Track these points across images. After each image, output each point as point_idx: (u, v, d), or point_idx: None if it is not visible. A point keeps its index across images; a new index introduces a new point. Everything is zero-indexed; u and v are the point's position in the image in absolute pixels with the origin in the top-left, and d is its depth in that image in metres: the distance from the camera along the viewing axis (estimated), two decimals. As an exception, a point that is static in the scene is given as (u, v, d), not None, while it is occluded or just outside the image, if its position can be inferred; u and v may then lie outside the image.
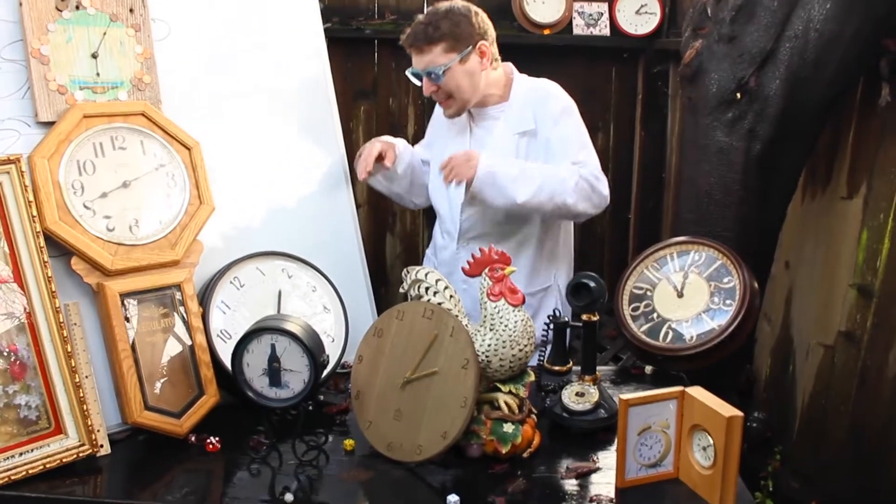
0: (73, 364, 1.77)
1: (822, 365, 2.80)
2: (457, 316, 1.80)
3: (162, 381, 1.90)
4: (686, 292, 2.32)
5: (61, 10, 1.93)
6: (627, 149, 3.95)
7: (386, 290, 3.86)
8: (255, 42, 2.34)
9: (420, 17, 2.45)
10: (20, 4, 1.88)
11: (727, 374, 2.71)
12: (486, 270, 1.79)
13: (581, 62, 3.81)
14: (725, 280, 2.29)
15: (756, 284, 2.30)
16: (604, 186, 2.42)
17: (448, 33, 2.38)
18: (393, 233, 3.89)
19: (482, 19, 2.45)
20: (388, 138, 2.64)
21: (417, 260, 3.91)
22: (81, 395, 1.78)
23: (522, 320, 1.77)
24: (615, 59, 3.85)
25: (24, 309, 1.75)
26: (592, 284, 1.94)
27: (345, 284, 2.27)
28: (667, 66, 3.80)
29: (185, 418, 1.89)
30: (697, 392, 1.71)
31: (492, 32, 2.47)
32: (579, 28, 3.71)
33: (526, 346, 1.77)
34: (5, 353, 1.72)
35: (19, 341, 1.75)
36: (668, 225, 3.92)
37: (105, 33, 1.99)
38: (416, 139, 3.77)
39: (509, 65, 2.59)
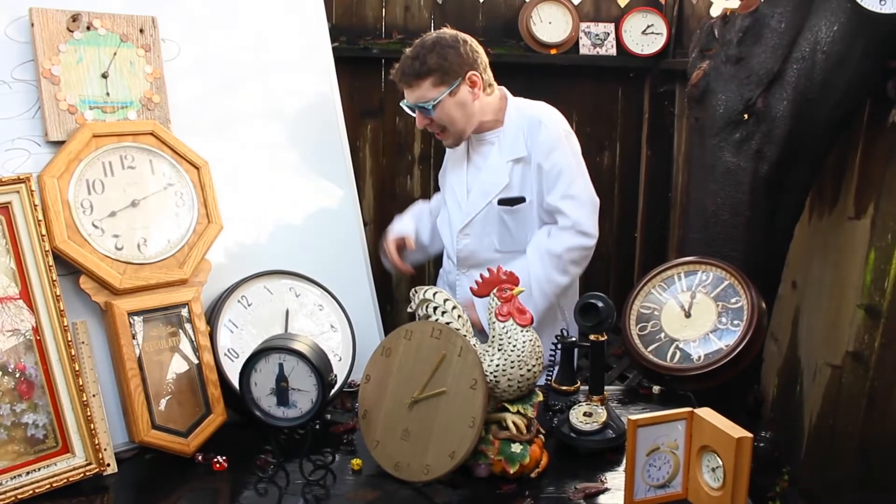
0: (81, 383, 1.77)
1: (829, 385, 2.79)
2: (465, 336, 1.80)
3: (169, 399, 1.90)
4: (694, 312, 2.31)
5: (72, 31, 1.95)
6: (634, 168, 3.95)
7: (392, 308, 3.86)
8: (263, 62, 2.36)
9: (408, 50, 2.44)
10: (31, 25, 1.90)
11: (735, 394, 2.69)
12: (495, 290, 1.79)
13: (587, 82, 3.83)
14: (733, 300, 2.29)
15: (764, 304, 2.30)
16: (588, 235, 2.48)
17: (436, 68, 2.37)
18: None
19: (471, 48, 2.43)
20: (395, 226, 2.73)
21: (423, 279, 3.90)
22: (89, 413, 1.77)
23: (531, 340, 1.76)
24: (621, 78, 3.86)
25: (32, 327, 1.75)
26: (600, 304, 1.93)
27: (352, 303, 2.27)
28: (673, 86, 3.81)
29: (192, 437, 1.89)
30: (706, 413, 1.70)
31: (483, 59, 2.47)
32: (586, 48, 3.72)
33: (534, 366, 1.77)
34: (13, 372, 1.72)
35: (27, 360, 1.75)
36: (674, 244, 3.92)
37: (115, 53, 2.01)
38: (422, 158, 3.82)
39: (503, 88, 2.60)
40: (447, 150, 2.74)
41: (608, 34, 3.74)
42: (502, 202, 2.52)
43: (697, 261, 2.39)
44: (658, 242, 3.97)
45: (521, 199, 2.51)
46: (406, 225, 2.72)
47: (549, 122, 2.47)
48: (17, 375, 1.73)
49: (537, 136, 2.46)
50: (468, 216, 2.58)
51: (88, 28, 1.98)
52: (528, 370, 1.76)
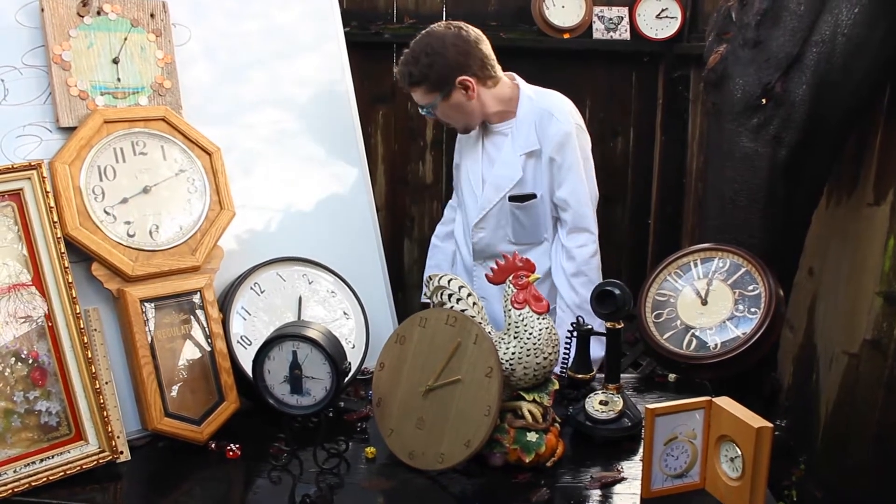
0: (94, 370, 1.77)
1: (846, 373, 2.75)
2: (480, 323, 1.78)
3: (182, 387, 1.89)
4: (710, 300, 2.28)
5: (83, 16, 1.93)
6: (647, 154, 3.91)
7: (403, 294, 3.85)
8: (275, 47, 2.34)
9: (403, 54, 2.45)
10: (41, 10, 1.88)
11: (751, 382, 2.66)
12: (511, 278, 1.77)
13: (601, 66, 3.79)
14: (750, 287, 2.26)
15: (781, 292, 2.27)
16: (591, 232, 2.53)
17: (423, 78, 2.40)
18: (410, 237, 3.87)
19: (460, 50, 2.39)
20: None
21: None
22: (102, 401, 1.77)
23: (547, 328, 1.74)
24: (635, 63, 3.81)
25: (45, 314, 1.74)
26: (617, 292, 1.91)
27: (365, 290, 2.25)
28: (687, 71, 3.77)
29: (205, 425, 1.88)
30: (725, 402, 1.68)
31: (480, 54, 2.42)
32: (599, 32, 3.68)
33: (550, 354, 1.75)
34: (26, 359, 1.72)
35: (40, 347, 1.74)
36: (688, 230, 3.88)
37: (126, 38, 1.99)
38: (434, 143, 3.80)
39: (515, 78, 2.57)
40: (459, 134, 2.73)
41: (622, 18, 3.69)
42: (513, 199, 2.52)
43: (714, 247, 2.36)
44: (671, 228, 3.94)
45: (531, 196, 2.52)
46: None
47: (561, 116, 2.46)
48: (31, 363, 1.73)
49: (548, 129, 2.45)
50: (482, 210, 2.58)
51: (99, 13, 1.95)
52: (545, 358, 1.74)
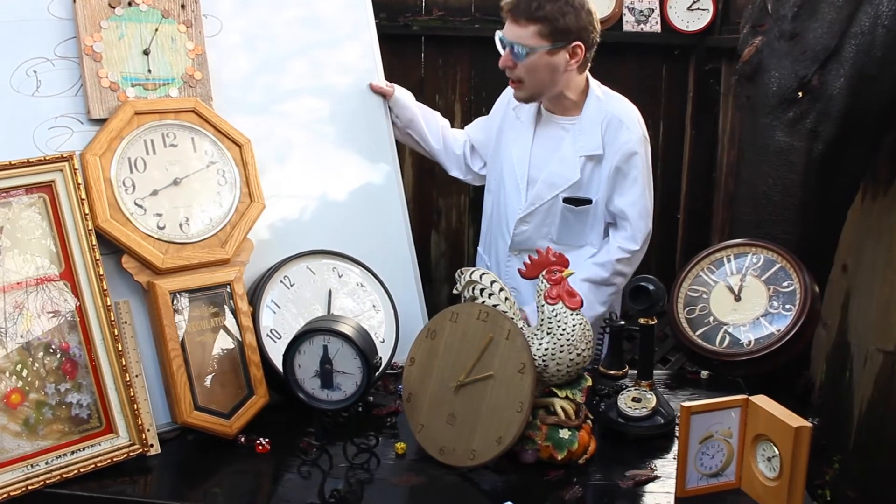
0: (124, 363, 1.76)
1: (881, 372, 2.70)
2: (512, 319, 1.76)
3: (211, 380, 1.88)
4: (744, 296, 2.25)
5: (114, 7, 1.93)
6: (677, 147, 3.86)
7: (430, 287, 3.83)
8: (307, 38, 2.32)
9: None
10: (74, 2, 1.88)
11: (784, 380, 2.62)
12: (544, 273, 1.74)
13: (631, 59, 3.73)
14: (785, 284, 2.22)
15: (817, 288, 2.23)
16: (639, 242, 2.44)
17: (548, 18, 2.22)
18: (438, 230, 3.85)
19: (590, 20, 2.29)
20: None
21: (462, 257, 3.87)
22: (132, 394, 1.76)
23: (581, 324, 1.71)
24: (666, 56, 3.76)
25: (76, 307, 1.74)
26: (651, 287, 1.88)
27: (395, 283, 2.23)
28: (719, 64, 3.71)
29: (234, 419, 1.87)
30: (762, 401, 1.65)
31: (595, 36, 2.34)
32: (630, 24, 3.63)
33: (584, 350, 1.72)
34: (56, 351, 1.72)
35: (71, 339, 1.74)
36: (717, 225, 3.84)
37: (157, 30, 1.98)
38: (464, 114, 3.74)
39: (587, 77, 2.47)
40: (502, 106, 2.62)
41: (653, 10, 3.64)
42: (567, 200, 2.44)
43: (747, 243, 2.33)
44: (701, 223, 3.89)
45: (587, 201, 2.43)
46: (408, 96, 2.58)
47: (632, 125, 2.38)
48: (61, 355, 1.72)
49: (618, 138, 2.36)
50: (531, 206, 2.48)
51: (130, 4, 1.95)
52: (578, 354, 1.71)
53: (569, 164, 2.41)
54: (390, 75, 2.98)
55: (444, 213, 3.83)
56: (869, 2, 2.27)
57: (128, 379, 1.76)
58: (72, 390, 1.73)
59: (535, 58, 2.26)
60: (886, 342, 2.65)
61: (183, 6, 2.01)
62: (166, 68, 1.99)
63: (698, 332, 2.24)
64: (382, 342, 2.12)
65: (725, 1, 3.64)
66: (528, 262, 1.77)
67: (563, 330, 1.70)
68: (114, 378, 1.76)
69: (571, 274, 1.74)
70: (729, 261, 2.32)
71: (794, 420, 1.56)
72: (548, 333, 1.72)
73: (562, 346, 1.70)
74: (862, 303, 2.85)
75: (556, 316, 1.71)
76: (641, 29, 3.65)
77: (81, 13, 1.88)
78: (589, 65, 2.41)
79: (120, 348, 1.76)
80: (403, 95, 2.56)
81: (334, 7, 2.39)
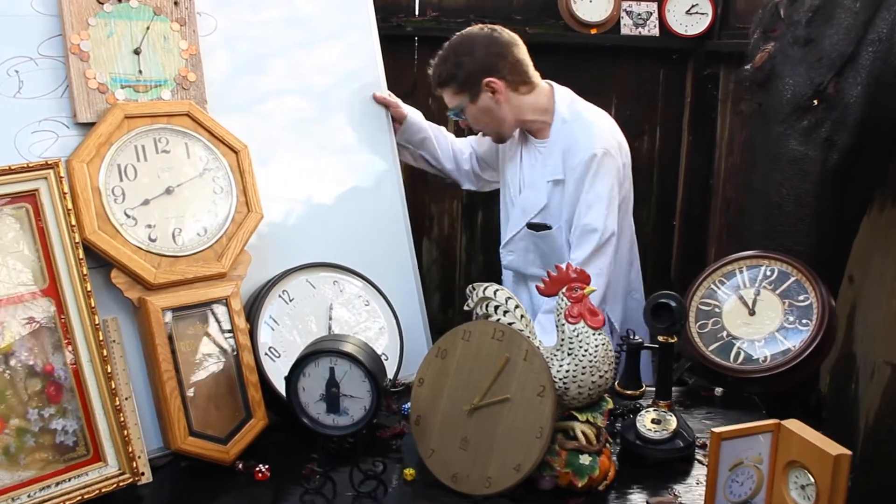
0: (114, 386, 1.64)
1: (889, 385, 2.64)
2: (529, 338, 1.66)
3: (207, 403, 1.76)
4: (758, 310, 2.18)
5: (102, 3, 1.80)
6: (674, 153, 3.79)
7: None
8: (307, 37, 2.22)
9: (436, 56, 2.40)
10: (59, -3, 1.76)
11: (797, 395, 2.55)
12: (564, 290, 1.64)
13: (628, 63, 3.66)
14: (801, 298, 2.15)
15: (833, 302, 2.16)
16: (581, 252, 2.32)
17: (451, 77, 2.34)
18: (430, 237, 3.75)
19: (490, 51, 2.31)
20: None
21: (455, 264, 3.78)
22: (122, 419, 1.64)
23: (603, 344, 1.62)
24: (664, 60, 3.69)
25: (61, 325, 1.62)
26: (673, 304, 1.79)
27: (396, 297, 2.13)
28: (717, 69, 3.64)
29: (231, 444, 1.75)
30: (794, 425, 1.56)
31: (511, 57, 2.33)
32: (627, 28, 3.55)
33: (607, 371, 1.63)
34: (40, 374, 1.59)
35: (55, 360, 1.61)
36: (714, 232, 3.77)
37: (148, 28, 1.86)
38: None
39: (555, 90, 2.42)
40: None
41: (651, 13, 3.57)
42: (530, 226, 2.45)
43: (760, 255, 2.25)
44: (698, 231, 3.82)
45: (546, 227, 2.42)
46: (419, 116, 2.56)
47: (586, 142, 2.30)
48: (45, 378, 1.60)
49: (573, 159, 2.32)
50: (510, 233, 2.52)
51: (119, 0, 1.82)
52: (601, 376, 1.62)
53: (538, 189, 2.42)
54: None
55: (436, 219, 3.72)
56: (887, 8, 2.20)
57: (117, 403, 1.64)
58: (56, 416, 1.60)
59: (469, 112, 2.38)
60: (894, 355, 2.59)
61: (176, 3, 1.90)
62: (158, 69, 1.87)
63: (711, 348, 2.16)
64: (386, 359, 2.01)
65: (725, 5, 3.58)
66: (546, 278, 1.67)
67: (586, 350, 1.61)
68: (102, 402, 1.63)
69: (593, 291, 1.64)
70: (741, 272, 2.24)
71: (833, 447, 1.47)
72: (568, 354, 1.62)
73: (584, 367, 1.61)
74: (868, 314, 2.79)
75: (577, 336, 1.62)
76: (639, 32, 3.57)
77: (67, 9, 1.75)
78: (529, 80, 2.38)
79: (109, 370, 1.64)
80: (416, 116, 2.54)
81: (333, 5, 2.28)
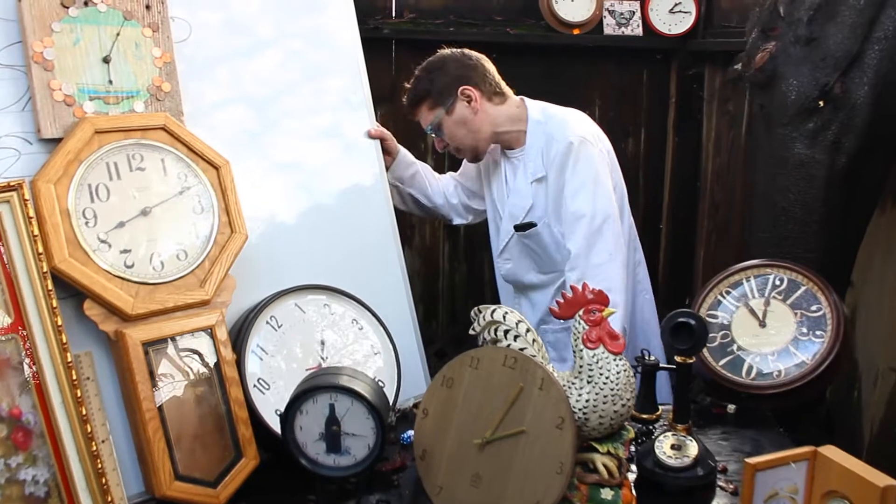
0: (90, 429, 1.48)
1: (894, 391, 2.57)
2: (544, 365, 1.54)
3: (193, 444, 1.61)
4: (769, 321, 2.08)
5: (67, 7, 1.64)
6: (659, 155, 3.70)
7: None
8: (287, 44, 2.07)
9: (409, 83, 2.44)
10: (19, 0, 1.59)
11: (804, 407, 2.47)
12: (580, 312, 1.52)
13: (611, 63, 3.56)
14: (813, 308, 2.06)
15: (847, 311, 2.07)
16: (577, 243, 2.29)
17: (426, 92, 2.37)
18: (411, 246, 3.61)
19: (459, 65, 2.37)
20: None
21: (437, 274, 3.64)
22: (99, 465, 1.49)
23: (625, 371, 1.50)
24: (647, 60, 3.60)
25: (29, 364, 1.46)
26: (693, 323, 1.68)
27: (390, 318, 1.99)
28: (702, 68, 3.56)
29: (221, 487, 1.61)
30: (832, 453, 1.47)
31: (481, 68, 2.38)
32: (610, 27, 3.45)
33: (629, 399, 1.51)
34: (6, 418, 1.43)
35: (23, 403, 1.46)
36: (703, 235, 3.69)
37: (118, 34, 1.71)
38: (436, 149, 3.51)
39: (525, 101, 2.44)
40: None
41: (634, 13, 3.47)
42: (517, 227, 2.43)
43: (767, 263, 2.15)
44: (685, 234, 3.74)
45: (531, 224, 2.40)
46: (407, 152, 2.56)
47: (561, 135, 2.31)
48: (11, 423, 1.44)
49: (550, 152, 2.33)
50: (503, 241, 2.51)
51: (86, 3, 1.67)
52: (623, 405, 1.50)
53: (522, 193, 2.41)
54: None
55: (417, 229, 3.58)
56: (892, 5, 2.12)
57: (94, 448, 1.49)
58: (25, 465, 1.44)
59: (445, 126, 2.37)
60: (897, 361, 2.53)
61: (148, 7, 1.74)
62: (130, 79, 1.72)
63: (722, 363, 2.05)
64: (383, 386, 1.87)
65: (708, 3, 3.49)
66: (561, 300, 1.55)
67: (606, 378, 1.49)
68: (77, 448, 1.48)
69: (612, 313, 1.52)
70: (749, 282, 2.14)
71: (878, 477, 1.38)
72: (588, 382, 1.50)
73: (605, 396, 1.49)
74: (870, 319, 2.71)
75: (597, 362, 1.50)
76: (622, 32, 3.47)
77: (28, 13, 1.59)
78: (500, 90, 2.42)
79: (84, 412, 1.48)
80: (405, 153, 2.54)
81: (312, 7, 2.16)
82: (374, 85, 3.37)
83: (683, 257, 3.74)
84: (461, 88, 2.33)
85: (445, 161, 3.46)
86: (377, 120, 3.38)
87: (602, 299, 1.52)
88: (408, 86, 2.43)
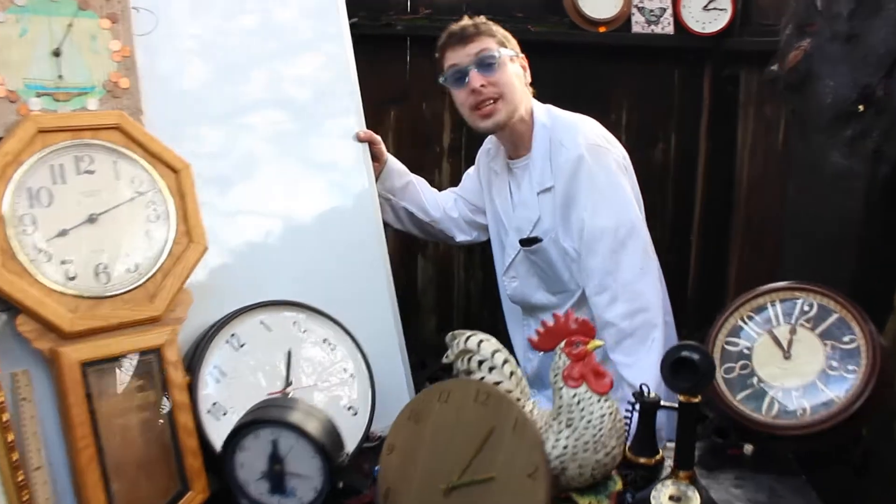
0: (15, 458, 1.35)
1: (939, 430, 2.33)
2: (520, 402, 1.36)
3: (135, 475, 1.47)
4: (794, 352, 1.87)
5: (13, -6, 1.51)
6: (691, 163, 3.49)
7: (417, 318, 3.43)
8: (263, 39, 1.94)
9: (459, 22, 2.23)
10: (-43, -14, 1.47)
11: (837, 447, 2.25)
12: (562, 345, 1.34)
13: (640, 64, 3.36)
14: (846, 339, 1.83)
15: (884, 342, 1.84)
16: (635, 293, 2.13)
17: (497, 32, 2.20)
18: (424, 255, 3.46)
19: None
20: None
21: (452, 283, 3.48)
22: (26, 497, 1.35)
23: (611, 414, 1.32)
24: (679, 60, 3.38)
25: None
26: (697, 357, 1.48)
27: (371, 339, 1.83)
28: (738, 70, 3.35)
29: (163, 524, 1.46)
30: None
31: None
32: (639, 25, 3.25)
33: (615, 447, 1.33)
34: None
35: (-56, 427, 1.33)
36: (735, 250, 3.46)
37: (71, 25, 1.57)
38: (452, 149, 3.38)
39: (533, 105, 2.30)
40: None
41: (664, 10, 3.27)
42: (521, 242, 2.29)
43: (796, 286, 1.93)
44: (717, 246, 3.51)
45: (537, 240, 2.25)
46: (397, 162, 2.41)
47: (569, 141, 2.17)
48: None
49: (559, 159, 2.18)
50: (508, 258, 2.37)
51: (35, -10, 1.54)
52: (606, 453, 1.32)
53: (529, 205, 2.26)
54: (372, 81, 2.60)
55: (430, 236, 3.43)
56: (944, -2, 1.90)
57: (20, 479, 1.35)
58: (-56, 495, 1.32)
59: (505, 67, 2.17)
60: (944, 395, 2.28)
61: (106, -5, 1.61)
62: (83, 73, 1.58)
63: (740, 397, 1.85)
64: (355, 414, 1.72)
65: (745, 0, 3.27)
66: (540, 329, 1.36)
67: (588, 422, 1.31)
68: (3, 479, 1.35)
69: (599, 346, 1.34)
70: (774, 306, 1.93)
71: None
72: (567, 426, 1.32)
73: (586, 442, 1.31)
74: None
75: (578, 402, 1.32)
76: (652, 30, 3.27)
77: (-32, 2, 1.47)
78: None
79: (10, 438, 1.35)
80: (395, 161, 2.39)
81: (304, 18, 2.02)
82: (386, 86, 3.25)
83: (714, 274, 3.52)
84: (522, 55, 2.25)
85: (462, 163, 3.30)
86: (389, 122, 3.27)
87: (586, 330, 1.34)
88: (460, 23, 2.22)
